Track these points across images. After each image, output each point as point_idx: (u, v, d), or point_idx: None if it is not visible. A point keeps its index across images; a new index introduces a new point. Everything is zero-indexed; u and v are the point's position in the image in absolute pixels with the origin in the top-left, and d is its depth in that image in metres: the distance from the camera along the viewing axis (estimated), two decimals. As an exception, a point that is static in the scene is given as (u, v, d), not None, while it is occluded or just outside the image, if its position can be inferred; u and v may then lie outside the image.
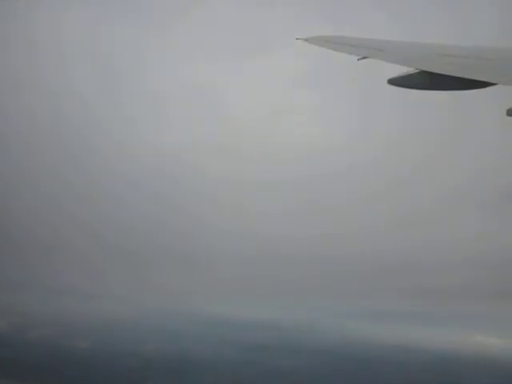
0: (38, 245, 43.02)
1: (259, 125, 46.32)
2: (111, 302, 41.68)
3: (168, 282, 42.37)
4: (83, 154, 45.07)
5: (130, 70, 47.01)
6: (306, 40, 13.50)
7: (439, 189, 42.29)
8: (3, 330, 40.92)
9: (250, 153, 44.95)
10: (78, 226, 43.73)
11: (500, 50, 11.82)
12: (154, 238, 43.87)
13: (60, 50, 46.17)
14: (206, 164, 44.61)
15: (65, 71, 45.92)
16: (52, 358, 38.18)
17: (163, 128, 47.01)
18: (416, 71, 10.95)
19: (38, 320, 41.11)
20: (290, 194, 42.97)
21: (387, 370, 39.29)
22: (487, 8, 40.81)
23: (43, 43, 46.01)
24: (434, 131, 40.20)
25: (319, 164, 43.41)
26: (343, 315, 41.94)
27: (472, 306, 40.79)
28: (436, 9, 42.10)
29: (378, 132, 42.46)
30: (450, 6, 41.76)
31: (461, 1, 42.80)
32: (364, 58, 11.99)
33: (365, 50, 12.39)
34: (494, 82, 9.85)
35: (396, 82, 11.13)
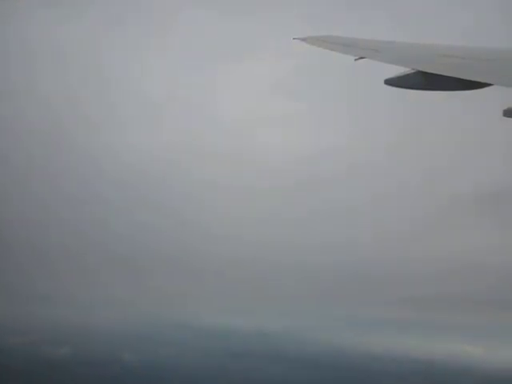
0: (19, 249, 42.82)
1: (248, 130, 46.33)
2: (97, 308, 41.55)
3: (153, 288, 42.28)
4: (73, 156, 45.07)
5: (119, 74, 46.96)
6: (303, 40, 13.51)
7: (435, 197, 42.32)
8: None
9: (239, 158, 44.95)
10: (62, 229, 43.63)
11: (497, 51, 11.84)
12: (142, 243, 43.81)
13: (51, 54, 46.18)
14: (196, 168, 44.62)
15: (56, 75, 45.92)
16: (33, 365, 37.98)
17: (154, 131, 46.98)
18: (413, 71, 10.97)
19: (18, 326, 40.71)
20: (278, 200, 43.07)
21: (374, 379, 39.43)
22: (484, 8, 40.90)
23: (34, 48, 46.04)
24: (430, 134, 40.28)
25: (308, 170, 43.48)
26: (331, 323, 41.98)
27: (459, 316, 40.94)
28: (433, 9, 42.18)
29: (372, 135, 42.51)
30: (448, 5, 41.84)
31: (458, 1, 42.89)
32: (361, 58, 11.99)
33: (362, 50, 12.40)
34: (490, 82, 9.86)
35: (393, 82, 11.14)
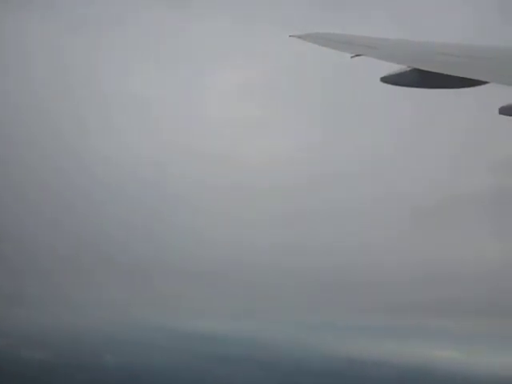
0: (7, 250, 42.56)
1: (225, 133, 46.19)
2: (82, 310, 41.40)
3: (139, 290, 42.18)
4: (63, 158, 44.97)
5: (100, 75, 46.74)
6: (299, 37, 13.48)
7: (412, 200, 42.20)
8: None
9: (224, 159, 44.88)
10: (51, 231, 43.46)
11: (493, 49, 11.83)
12: (131, 245, 43.71)
13: (20, 60, 46.07)
14: (181, 170, 44.52)
15: (26, 83, 45.75)
16: (10, 370, 37.58)
17: (141, 133, 46.81)
18: (409, 69, 10.95)
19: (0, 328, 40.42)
20: (265, 201, 43.04)
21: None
22: (480, 6, 40.92)
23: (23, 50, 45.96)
24: (424, 134, 40.33)
25: (284, 172, 43.48)
26: (308, 328, 42.01)
27: (439, 322, 41.08)
28: (429, 6, 42.19)
29: (360, 136, 42.51)
30: (445, 3, 41.86)
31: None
32: (357, 55, 11.97)
33: (358, 47, 12.38)
34: (486, 80, 9.86)
35: (389, 79, 11.13)
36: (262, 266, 41.82)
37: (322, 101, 42.33)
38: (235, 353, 40.70)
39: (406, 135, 41.22)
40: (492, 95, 10.03)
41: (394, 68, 11.15)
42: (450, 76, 10.24)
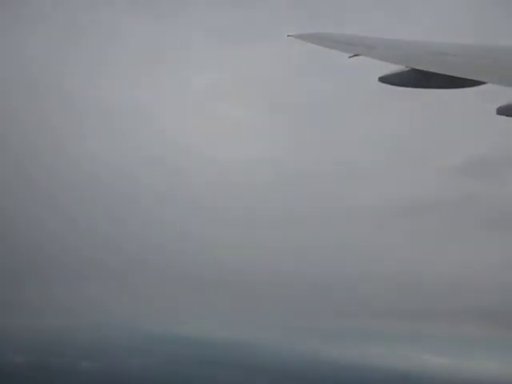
0: None
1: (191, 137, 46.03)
2: (59, 315, 41.05)
3: (119, 295, 41.93)
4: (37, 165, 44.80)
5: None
6: (297, 37, 13.45)
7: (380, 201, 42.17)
8: None
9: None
10: (24, 240, 43.17)
11: (491, 49, 11.80)
12: (107, 250, 43.50)
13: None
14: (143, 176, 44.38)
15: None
16: None
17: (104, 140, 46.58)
18: (407, 69, 10.93)
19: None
20: (218, 205, 42.95)
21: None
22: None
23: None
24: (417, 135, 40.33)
25: (247, 175, 43.40)
26: (290, 333, 41.98)
27: (421, 327, 41.14)
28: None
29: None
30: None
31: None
32: (355, 55, 11.95)
33: (356, 47, 12.35)
34: (484, 80, 9.84)
35: (387, 79, 11.11)
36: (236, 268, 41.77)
37: (298, 101, 42.39)
38: (222, 357, 40.63)
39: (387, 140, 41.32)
40: (490, 95, 10.04)
41: (392, 68, 11.14)
42: (448, 76, 10.23)
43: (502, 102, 9.90)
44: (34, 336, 40.09)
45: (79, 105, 46.08)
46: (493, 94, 9.98)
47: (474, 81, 10.01)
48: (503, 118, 9.94)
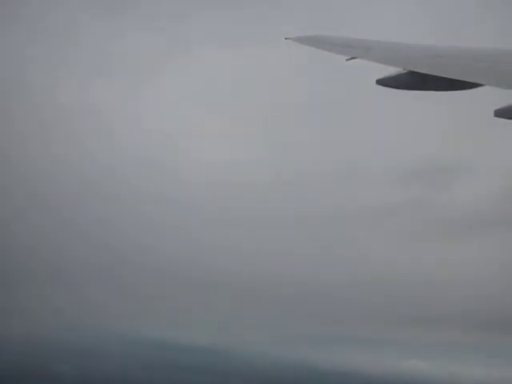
0: None
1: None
2: (37, 319, 40.84)
3: (93, 300, 41.71)
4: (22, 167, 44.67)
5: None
6: (295, 40, 13.46)
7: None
8: None
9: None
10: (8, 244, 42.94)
11: (489, 52, 11.83)
12: (82, 255, 43.31)
13: None
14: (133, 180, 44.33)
15: None
16: None
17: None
18: (404, 71, 10.95)
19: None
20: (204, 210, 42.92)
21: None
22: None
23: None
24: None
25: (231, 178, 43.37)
26: (274, 339, 41.94)
27: (407, 333, 41.18)
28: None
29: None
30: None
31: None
32: (353, 58, 11.97)
33: (354, 49, 12.37)
34: (481, 83, 9.87)
35: (384, 82, 11.12)
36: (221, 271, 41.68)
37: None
38: (207, 363, 40.54)
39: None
40: (488, 98, 10.06)
41: (389, 70, 11.15)
42: (445, 78, 10.25)
43: (500, 104, 9.92)
44: (16, 339, 39.90)
45: (40, 105, 45.80)
46: (490, 97, 10.01)
47: (471, 83, 10.04)
48: (501, 120, 9.97)
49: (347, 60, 11.96)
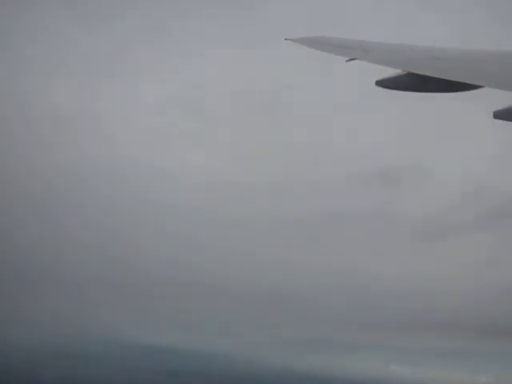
0: None
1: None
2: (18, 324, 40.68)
3: (77, 303, 41.61)
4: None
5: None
6: (294, 41, 13.49)
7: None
8: None
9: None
10: None
11: (489, 53, 11.86)
12: (67, 256, 43.26)
13: None
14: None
15: None
16: None
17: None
18: (404, 73, 10.97)
19: None
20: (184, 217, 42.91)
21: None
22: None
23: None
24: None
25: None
26: (257, 344, 41.88)
27: (386, 338, 41.20)
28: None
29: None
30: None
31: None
32: (352, 59, 12.00)
33: (354, 51, 12.41)
34: (481, 84, 9.89)
35: (384, 83, 11.15)
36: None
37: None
38: (185, 367, 40.51)
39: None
40: (487, 99, 10.07)
41: (389, 72, 11.18)
42: (445, 80, 10.27)
43: (500, 106, 9.94)
44: (12, 343, 39.79)
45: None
46: (489, 98, 10.03)
47: (471, 85, 10.06)
48: (499, 122, 9.99)
49: (347, 61, 11.99)
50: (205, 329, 41.64)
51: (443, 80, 10.29)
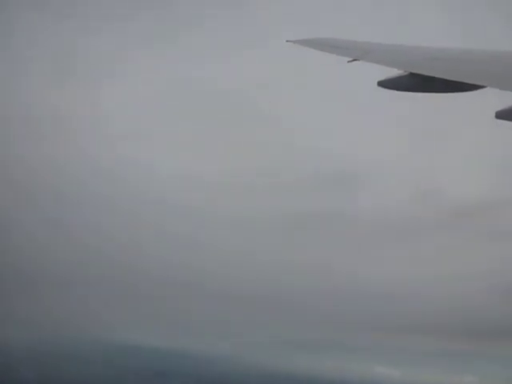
0: None
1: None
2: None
3: (63, 304, 41.52)
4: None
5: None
6: (296, 42, 13.51)
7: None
8: None
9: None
10: None
11: (489, 53, 11.87)
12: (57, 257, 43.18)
13: None
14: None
15: None
16: None
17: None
18: (406, 73, 10.99)
19: None
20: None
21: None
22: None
23: None
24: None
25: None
26: (246, 345, 41.85)
27: (373, 339, 41.25)
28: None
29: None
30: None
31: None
32: (354, 60, 12.02)
33: (355, 52, 12.42)
34: (483, 84, 9.91)
35: (386, 84, 11.17)
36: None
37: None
38: (171, 368, 40.43)
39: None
40: (489, 99, 10.09)
41: (391, 72, 11.20)
42: (446, 80, 10.29)
43: (502, 106, 9.96)
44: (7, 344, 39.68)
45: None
46: (489, 98, 10.05)
47: (471, 85, 10.08)
48: (502, 122, 10.01)
49: (348, 62, 12.02)
50: (205, 329, 41.66)
51: (445, 80, 10.31)
